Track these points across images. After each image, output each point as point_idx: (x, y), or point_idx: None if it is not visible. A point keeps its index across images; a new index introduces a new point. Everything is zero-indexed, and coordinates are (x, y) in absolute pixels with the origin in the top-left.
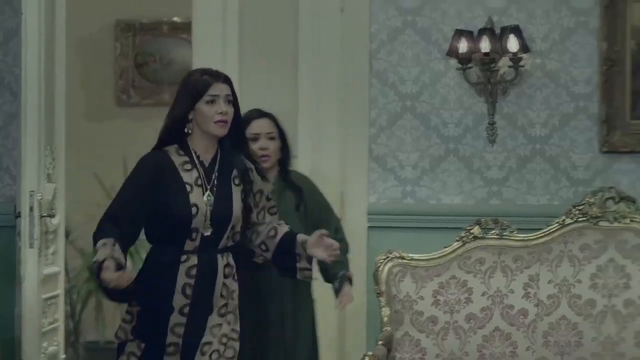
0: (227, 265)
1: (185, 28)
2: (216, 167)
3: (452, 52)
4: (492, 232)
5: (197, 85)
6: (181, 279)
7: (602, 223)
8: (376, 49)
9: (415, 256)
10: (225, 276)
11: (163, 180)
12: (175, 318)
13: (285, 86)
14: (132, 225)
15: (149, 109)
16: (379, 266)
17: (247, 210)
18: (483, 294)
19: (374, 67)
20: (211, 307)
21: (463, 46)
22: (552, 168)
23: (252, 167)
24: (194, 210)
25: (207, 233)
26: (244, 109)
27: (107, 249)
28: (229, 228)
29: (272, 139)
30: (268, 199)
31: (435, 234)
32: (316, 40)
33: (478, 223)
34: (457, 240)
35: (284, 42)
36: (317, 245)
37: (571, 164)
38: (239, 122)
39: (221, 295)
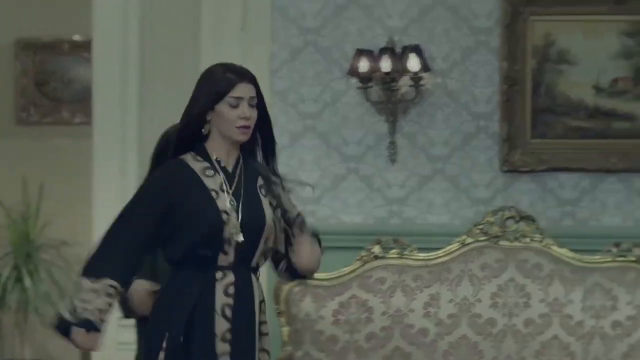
0: (259, 284)
1: (85, 46)
2: (238, 172)
3: (353, 72)
4: (393, 251)
5: (219, 84)
6: (220, 299)
7: (502, 242)
8: (277, 67)
9: (316, 275)
10: (260, 296)
11: (183, 191)
12: (220, 346)
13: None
14: (138, 254)
15: (49, 127)
16: (279, 286)
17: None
18: (383, 314)
19: (274, 86)
20: (253, 331)
21: (364, 65)
22: (453, 187)
23: (279, 181)
24: (224, 216)
25: (240, 239)
26: (141, 128)
27: (92, 302)
28: (262, 241)
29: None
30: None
31: (336, 254)
32: (217, 58)
33: (378, 242)
34: (358, 260)
35: (186, 60)
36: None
37: (472, 183)
38: (270, 128)
39: (260, 316)
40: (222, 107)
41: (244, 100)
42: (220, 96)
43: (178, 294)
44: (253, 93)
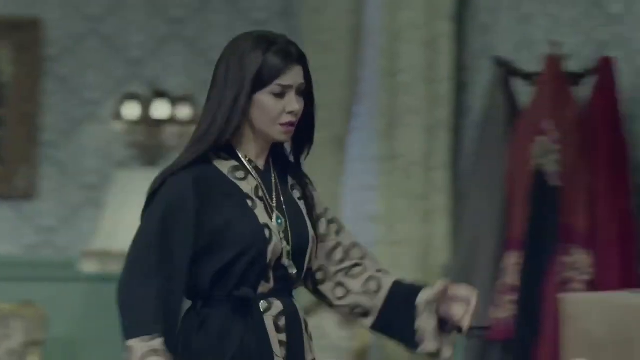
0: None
1: None
2: (272, 173)
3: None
4: None
5: (261, 66)
6: (273, 335)
7: None
8: None
9: None
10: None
11: (209, 197)
12: None
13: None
14: (177, 284)
15: None
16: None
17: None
18: None
19: None
20: None
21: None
22: None
23: (309, 180)
24: (266, 232)
25: (293, 271)
26: None
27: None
28: (307, 259)
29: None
30: (331, 222)
31: None
32: None
33: None
34: None
35: None
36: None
37: None
38: (313, 122)
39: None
40: (264, 96)
41: (292, 88)
42: (263, 83)
43: (218, 338)
44: (302, 78)
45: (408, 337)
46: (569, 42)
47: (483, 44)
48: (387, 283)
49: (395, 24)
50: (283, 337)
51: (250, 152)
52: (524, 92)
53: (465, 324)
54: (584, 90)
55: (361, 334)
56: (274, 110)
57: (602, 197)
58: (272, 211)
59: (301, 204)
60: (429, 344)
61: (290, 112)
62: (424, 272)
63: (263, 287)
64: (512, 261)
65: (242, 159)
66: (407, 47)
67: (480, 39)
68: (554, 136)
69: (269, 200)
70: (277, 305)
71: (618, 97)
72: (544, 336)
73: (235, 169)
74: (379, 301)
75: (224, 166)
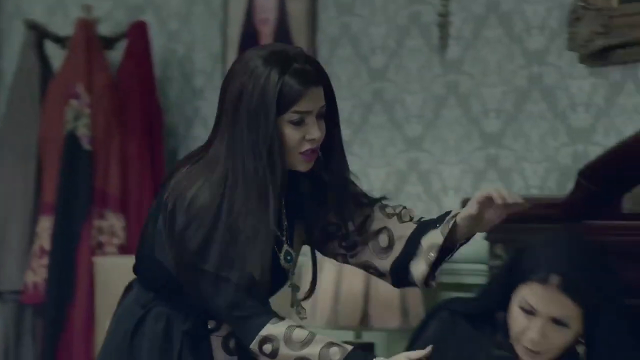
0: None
1: None
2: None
3: None
4: None
5: (277, 93)
6: (220, 357)
7: None
8: None
9: None
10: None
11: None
12: None
13: None
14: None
15: None
16: None
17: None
18: None
19: None
20: None
21: None
22: None
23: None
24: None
25: (304, 317)
26: None
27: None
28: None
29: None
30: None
31: None
32: None
33: None
34: None
35: None
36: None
37: None
38: (341, 147)
39: None
40: (281, 124)
41: (312, 114)
42: (278, 111)
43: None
44: (323, 99)
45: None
46: (101, 5)
47: (15, 6)
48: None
49: None
50: (233, 359)
51: None
52: (57, 56)
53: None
54: (117, 55)
55: None
56: (292, 139)
57: (135, 162)
58: (286, 246)
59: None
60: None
61: (310, 140)
62: None
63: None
64: (46, 225)
65: None
66: None
67: (12, 1)
68: (86, 100)
69: (285, 239)
70: (227, 326)
71: (150, 62)
72: (77, 299)
73: None
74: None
75: None
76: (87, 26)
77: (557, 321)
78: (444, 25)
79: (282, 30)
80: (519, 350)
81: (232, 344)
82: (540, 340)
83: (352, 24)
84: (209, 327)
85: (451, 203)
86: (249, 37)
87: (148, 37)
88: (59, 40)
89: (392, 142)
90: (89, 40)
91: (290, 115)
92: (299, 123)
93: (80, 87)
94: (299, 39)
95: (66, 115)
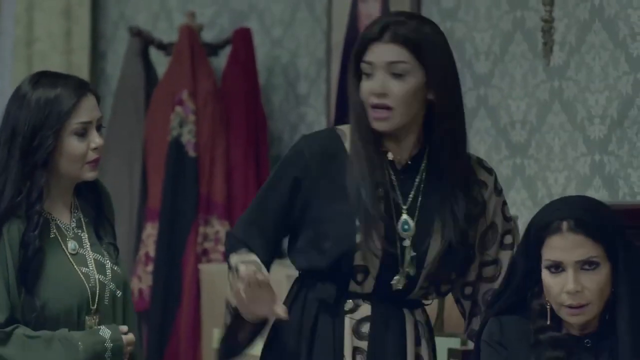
0: (417, 324)
1: None
2: (420, 173)
3: None
4: None
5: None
6: (348, 338)
7: None
8: None
9: None
10: (416, 342)
11: (326, 176)
12: None
13: None
14: (265, 240)
15: None
16: None
17: (464, 252)
18: None
19: None
20: None
21: None
22: None
23: (489, 179)
24: (357, 237)
25: (399, 285)
26: None
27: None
28: (423, 273)
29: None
30: (506, 232)
31: None
32: None
33: None
34: None
35: None
36: None
37: None
38: (453, 118)
39: None
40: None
41: (376, 66)
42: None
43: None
44: (395, 56)
45: None
46: (205, 12)
47: (120, 13)
48: None
49: None
50: (362, 344)
51: (392, 147)
52: (162, 63)
53: None
54: (221, 62)
55: None
56: (361, 92)
57: (239, 169)
58: (400, 214)
59: (456, 207)
60: None
61: (375, 94)
62: None
63: (355, 288)
64: (151, 232)
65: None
66: (42, 16)
67: (116, 8)
68: (191, 107)
69: (398, 202)
70: (364, 310)
71: (255, 68)
72: (183, 306)
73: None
74: None
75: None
76: (191, 33)
77: (585, 263)
78: (547, 31)
79: None
80: (563, 314)
81: (364, 328)
82: (577, 287)
83: (455, 30)
84: (345, 308)
85: None
86: (353, 42)
87: (252, 44)
88: (163, 47)
89: (496, 148)
90: (193, 47)
91: (363, 66)
92: (367, 74)
93: (184, 94)
94: None
95: (171, 121)
